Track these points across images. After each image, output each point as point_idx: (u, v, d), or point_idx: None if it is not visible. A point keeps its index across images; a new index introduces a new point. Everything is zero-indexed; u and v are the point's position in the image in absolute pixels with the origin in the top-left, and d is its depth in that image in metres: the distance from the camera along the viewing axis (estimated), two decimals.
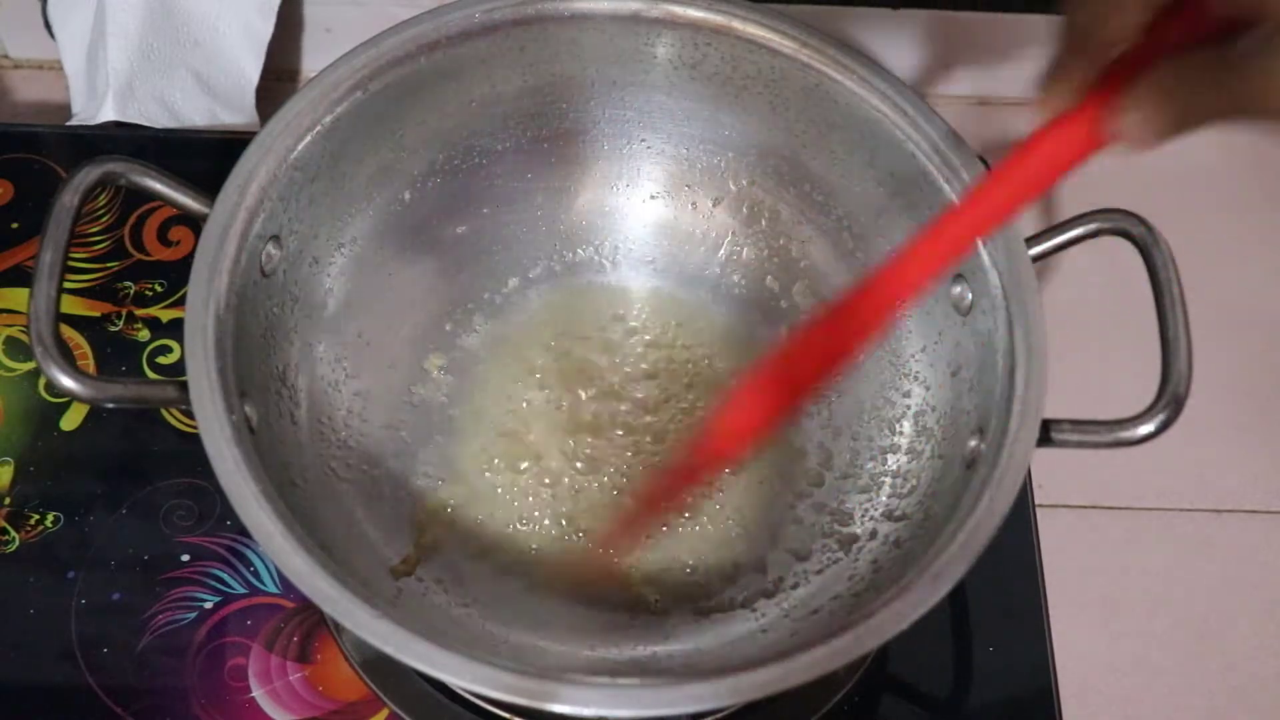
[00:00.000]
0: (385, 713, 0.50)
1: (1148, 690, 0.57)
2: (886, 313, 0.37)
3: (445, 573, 0.49)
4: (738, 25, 0.50)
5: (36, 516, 0.54)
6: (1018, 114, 0.74)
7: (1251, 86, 0.28)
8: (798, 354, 0.40)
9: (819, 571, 0.49)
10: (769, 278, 0.56)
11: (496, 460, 0.52)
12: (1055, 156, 0.33)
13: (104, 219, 0.62)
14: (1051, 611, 0.54)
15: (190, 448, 0.55)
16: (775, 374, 0.40)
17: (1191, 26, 0.30)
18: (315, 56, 0.73)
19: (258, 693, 0.51)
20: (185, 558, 0.53)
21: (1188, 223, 0.69)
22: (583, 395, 0.54)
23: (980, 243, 0.45)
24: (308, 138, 0.47)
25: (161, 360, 0.58)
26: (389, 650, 0.37)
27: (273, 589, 0.53)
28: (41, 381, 0.57)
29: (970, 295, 0.47)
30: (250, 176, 0.45)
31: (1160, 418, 0.43)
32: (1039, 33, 0.70)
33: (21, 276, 0.60)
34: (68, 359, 0.41)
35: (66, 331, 0.58)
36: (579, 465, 0.52)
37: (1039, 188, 0.34)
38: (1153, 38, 0.30)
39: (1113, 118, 0.31)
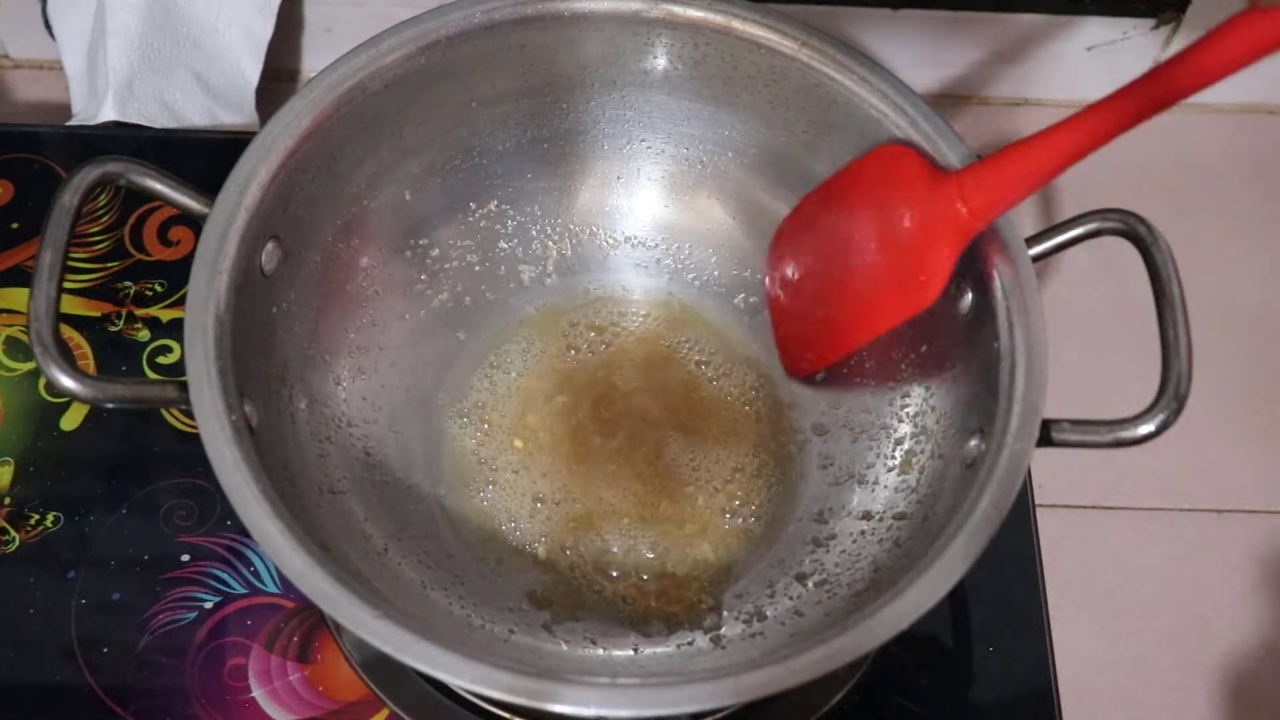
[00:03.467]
0: (385, 713, 0.50)
1: (1148, 690, 0.57)
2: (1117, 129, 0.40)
3: (443, 572, 0.49)
4: (738, 25, 0.50)
5: (36, 516, 0.54)
6: (1018, 114, 0.74)
7: None
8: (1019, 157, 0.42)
9: (819, 572, 0.49)
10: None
11: (496, 460, 0.52)
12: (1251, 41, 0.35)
13: (104, 219, 0.62)
14: (1051, 611, 0.54)
15: (190, 448, 0.55)
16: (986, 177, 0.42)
17: None
18: (315, 56, 0.73)
19: (258, 693, 0.51)
20: (185, 558, 0.53)
21: (1188, 223, 0.69)
22: (582, 395, 0.54)
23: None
24: (308, 138, 0.47)
25: (161, 360, 0.58)
26: (389, 650, 0.37)
27: (273, 589, 0.53)
28: (41, 381, 0.57)
29: (970, 295, 0.47)
30: (250, 176, 0.45)
31: (1160, 418, 0.43)
32: (1038, 33, 0.70)
33: (21, 276, 0.60)
34: (68, 359, 0.41)
35: (66, 331, 0.58)
36: (579, 465, 0.52)
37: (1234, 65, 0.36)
38: None
39: None
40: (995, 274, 0.45)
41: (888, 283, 0.46)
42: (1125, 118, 0.39)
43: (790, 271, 0.52)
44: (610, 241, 0.57)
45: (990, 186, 0.43)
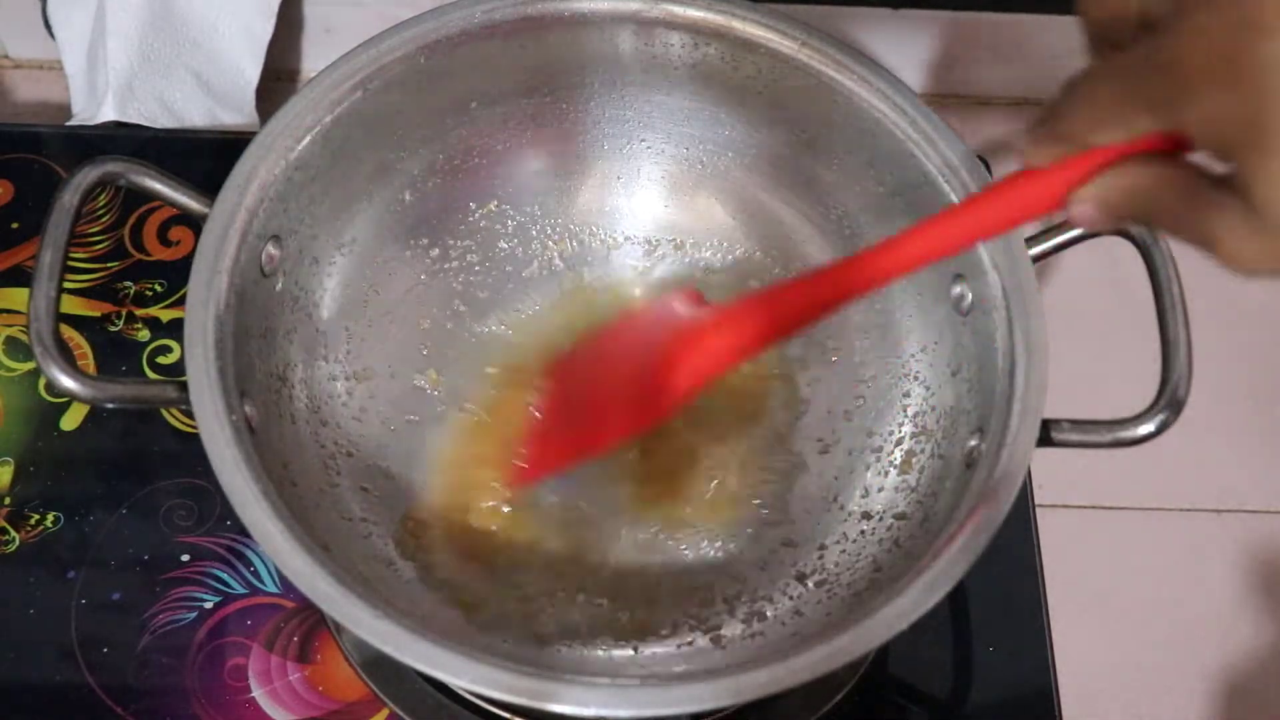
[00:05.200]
0: (385, 713, 0.50)
1: (1148, 690, 0.57)
2: (842, 300, 0.39)
3: (443, 572, 0.49)
4: (738, 25, 0.50)
5: (36, 516, 0.54)
6: (1017, 114, 0.74)
7: (1211, 233, 0.29)
8: (765, 307, 0.41)
9: (819, 572, 0.49)
10: (769, 278, 0.56)
11: (494, 461, 0.52)
12: (1017, 204, 0.34)
13: (104, 219, 0.62)
14: (1051, 611, 0.54)
15: (190, 448, 0.55)
16: (740, 319, 0.40)
17: (1177, 145, 0.30)
18: (315, 56, 0.73)
19: (258, 693, 0.51)
20: (185, 558, 0.53)
21: None
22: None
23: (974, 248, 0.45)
24: (308, 138, 0.47)
25: (161, 360, 0.58)
26: (389, 650, 0.37)
27: (273, 589, 0.53)
28: (41, 381, 0.57)
29: (970, 295, 0.47)
30: (250, 176, 0.45)
31: (1160, 418, 0.43)
32: (1039, 33, 0.70)
33: (21, 276, 0.60)
34: (68, 359, 0.41)
35: (66, 331, 0.58)
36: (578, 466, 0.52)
37: (996, 229, 0.35)
38: (1138, 141, 0.31)
39: (1076, 191, 0.32)
40: (995, 274, 0.45)
41: (632, 396, 0.45)
42: (896, 267, 0.37)
43: (558, 388, 0.50)
44: (610, 241, 0.57)
45: (742, 327, 0.41)
